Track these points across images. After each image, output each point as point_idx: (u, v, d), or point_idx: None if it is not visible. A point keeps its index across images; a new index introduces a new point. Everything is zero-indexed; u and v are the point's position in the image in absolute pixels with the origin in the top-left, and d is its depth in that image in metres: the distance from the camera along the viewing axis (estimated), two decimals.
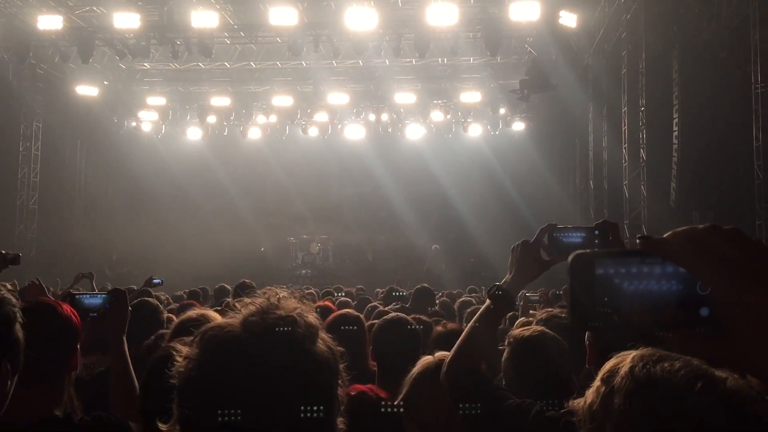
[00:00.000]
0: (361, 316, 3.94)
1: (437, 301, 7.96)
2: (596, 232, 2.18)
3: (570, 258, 0.90)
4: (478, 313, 2.34)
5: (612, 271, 1.02)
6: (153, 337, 3.15)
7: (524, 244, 2.30)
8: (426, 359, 2.52)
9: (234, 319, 1.21)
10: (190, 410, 1.15)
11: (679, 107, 15.14)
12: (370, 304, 7.02)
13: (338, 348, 1.28)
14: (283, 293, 1.27)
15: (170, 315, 4.66)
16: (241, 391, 1.11)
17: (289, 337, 1.18)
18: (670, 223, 14.91)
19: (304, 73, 21.11)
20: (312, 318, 1.25)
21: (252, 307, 1.22)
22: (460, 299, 8.44)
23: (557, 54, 16.96)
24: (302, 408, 1.14)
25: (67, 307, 2.25)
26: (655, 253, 0.88)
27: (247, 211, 22.92)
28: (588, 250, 0.97)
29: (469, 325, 2.30)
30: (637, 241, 0.87)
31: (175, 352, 1.84)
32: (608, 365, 1.23)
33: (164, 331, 3.33)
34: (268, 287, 1.33)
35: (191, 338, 1.22)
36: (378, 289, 12.62)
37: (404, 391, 2.41)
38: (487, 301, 2.32)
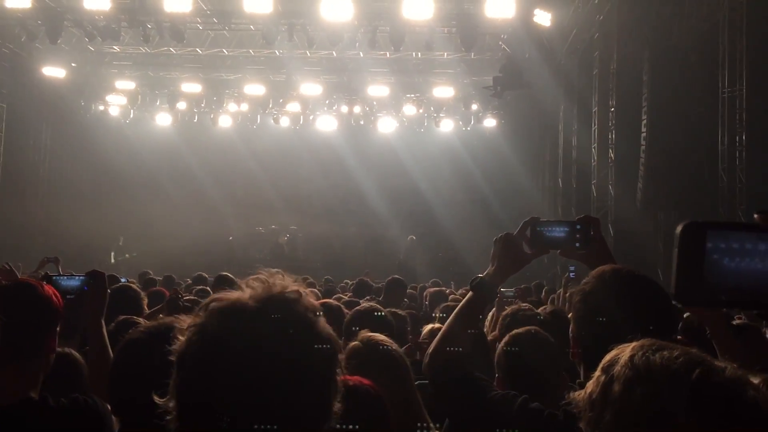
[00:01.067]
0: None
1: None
2: (578, 227, 2.21)
3: (680, 227, 0.87)
4: (460, 304, 2.35)
5: (723, 246, 0.97)
6: (113, 323, 3.07)
7: (507, 236, 2.32)
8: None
9: (239, 292, 1.21)
10: (191, 381, 1.14)
11: (648, 108, 15.37)
12: (338, 297, 7.02)
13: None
14: (282, 275, 1.28)
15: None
16: (246, 361, 1.11)
17: (295, 308, 1.19)
18: (635, 222, 15.17)
19: (277, 62, 20.94)
20: (312, 298, 1.26)
21: (256, 283, 1.22)
22: (429, 289, 8.53)
23: (531, 52, 17.08)
24: (304, 380, 1.14)
25: (48, 288, 2.21)
26: None
27: (217, 200, 22.72)
28: (700, 220, 0.92)
29: (451, 315, 2.32)
30: (756, 216, 0.83)
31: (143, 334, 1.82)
32: (609, 356, 1.25)
33: (132, 317, 3.28)
34: (263, 270, 1.32)
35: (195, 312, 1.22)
36: (347, 280, 12.62)
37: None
38: (469, 293, 2.34)
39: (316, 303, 1.25)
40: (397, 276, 7.46)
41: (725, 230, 0.86)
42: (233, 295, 1.20)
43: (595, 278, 1.95)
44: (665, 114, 15.08)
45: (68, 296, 2.66)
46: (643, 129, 15.43)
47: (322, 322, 1.23)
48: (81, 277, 2.84)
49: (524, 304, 5.55)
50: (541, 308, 4.56)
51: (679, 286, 0.88)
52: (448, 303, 5.85)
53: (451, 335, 2.24)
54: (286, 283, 1.24)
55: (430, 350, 2.26)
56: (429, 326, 3.96)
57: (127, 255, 20.61)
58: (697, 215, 14.53)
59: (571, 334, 2.02)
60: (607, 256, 2.22)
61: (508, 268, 2.31)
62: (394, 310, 4.62)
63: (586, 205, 16.94)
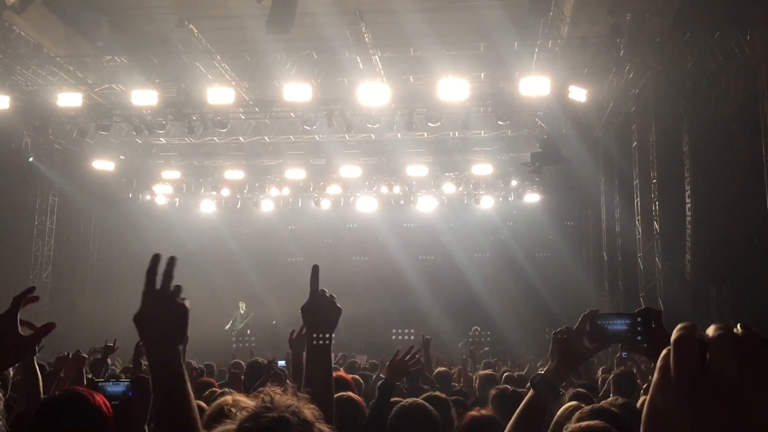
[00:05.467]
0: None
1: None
2: (639, 319, 2.14)
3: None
4: (522, 403, 2.27)
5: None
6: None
7: (567, 331, 2.26)
8: None
9: (231, 424, 1.20)
10: None
11: (690, 179, 15.20)
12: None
13: None
14: (277, 391, 1.26)
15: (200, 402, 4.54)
16: None
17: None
18: (686, 296, 14.75)
19: (317, 146, 21.41)
20: (308, 413, 1.23)
21: (245, 413, 1.21)
22: (480, 372, 8.19)
23: (567, 127, 17.17)
24: None
25: (99, 397, 2.19)
26: None
27: (260, 284, 22.85)
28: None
29: (514, 416, 2.23)
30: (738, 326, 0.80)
31: None
32: None
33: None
34: (262, 388, 1.32)
35: None
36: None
37: None
38: (531, 391, 2.26)
39: (311, 415, 1.23)
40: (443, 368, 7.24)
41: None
42: (223, 428, 1.19)
43: None
44: (709, 184, 14.87)
45: (113, 402, 2.64)
46: (687, 200, 15.21)
47: None
48: (126, 383, 2.81)
49: (579, 390, 5.30)
50: (609, 399, 4.15)
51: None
52: (502, 386, 5.61)
53: None
54: (278, 402, 1.22)
55: None
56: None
57: (249, 317, 21.04)
58: (750, 286, 14.09)
59: None
60: None
61: (569, 364, 2.25)
62: (437, 394, 4.48)
63: (633, 280, 16.58)
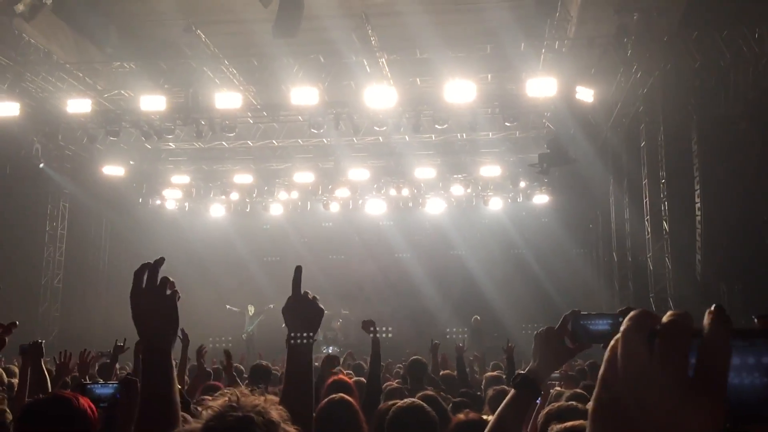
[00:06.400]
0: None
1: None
2: (620, 319, 2.13)
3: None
4: (503, 403, 2.27)
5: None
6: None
7: (548, 331, 2.26)
8: None
9: (197, 423, 1.21)
10: None
11: (700, 178, 15.11)
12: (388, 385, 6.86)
13: None
14: (244, 392, 1.28)
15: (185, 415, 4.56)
16: None
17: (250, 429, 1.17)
18: (696, 296, 14.66)
19: (325, 149, 21.46)
20: (274, 414, 1.24)
21: (211, 411, 1.22)
22: (487, 374, 8.13)
23: (575, 128, 17.11)
24: None
25: (84, 401, 2.21)
26: None
27: (269, 287, 22.89)
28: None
29: (494, 415, 2.24)
30: (756, 320, 0.75)
31: None
32: None
33: None
34: (229, 388, 1.35)
35: None
36: (399, 365, 12.39)
37: None
38: (512, 391, 2.26)
39: (277, 416, 1.24)
40: (417, 358, 7.18)
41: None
42: (190, 428, 1.21)
43: None
44: (718, 183, 14.79)
45: (102, 404, 2.65)
46: (697, 199, 15.13)
47: None
48: (114, 385, 2.83)
49: (578, 390, 5.31)
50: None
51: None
52: (500, 387, 5.60)
53: None
54: (244, 402, 1.24)
55: None
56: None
57: (258, 319, 21.07)
58: (761, 284, 13.99)
59: None
60: None
61: (550, 364, 2.25)
62: (433, 394, 4.48)
63: (644, 279, 16.51)
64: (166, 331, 1.89)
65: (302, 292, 2.39)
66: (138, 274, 1.98)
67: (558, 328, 2.23)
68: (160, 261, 1.97)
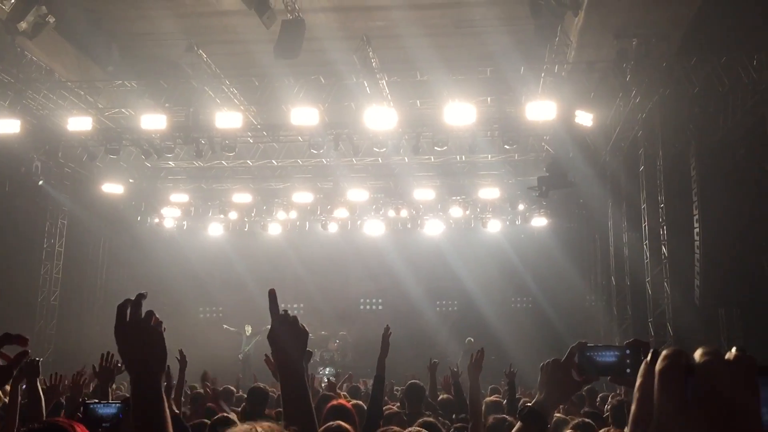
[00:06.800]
0: None
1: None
2: (627, 352, 2.12)
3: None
4: None
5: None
6: None
7: (555, 363, 2.24)
8: None
9: None
10: None
11: (699, 203, 15.13)
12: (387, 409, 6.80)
13: None
14: (264, 424, 1.28)
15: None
16: None
17: None
18: (695, 321, 14.61)
19: (324, 170, 21.49)
20: None
21: None
22: (487, 399, 8.07)
23: (574, 151, 17.17)
24: None
25: (80, 429, 2.18)
26: None
27: (266, 308, 22.75)
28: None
29: None
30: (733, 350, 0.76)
31: None
32: None
33: None
34: (249, 423, 1.33)
35: None
36: (397, 388, 12.31)
37: None
38: (519, 423, 2.24)
39: None
40: (415, 382, 7.08)
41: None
42: None
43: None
44: (717, 208, 14.80)
45: (104, 424, 2.63)
46: (696, 224, 15.14)
47: None
48: (118, 405, 2.80)
49: (586, 420, 5.24)
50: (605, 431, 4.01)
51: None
52: (500, 416, 5.56)
53: None
54: None
55: None
56: None
57: (255, 339, 20.90)
58: (759, 311, 13.96)
59: None
60: None
61: (556, 396, 2.23)
62: (432, 420, 4.44)
63: (642, 304, 16.45)
64: (153, 364, 1.88)
65: (282, 312, 2.35)
66: (121, 309, 1.97)
67: (564, 360, 2.21)
68: (143, 295, 1.95)
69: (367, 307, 23.30)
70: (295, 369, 2.27)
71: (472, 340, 19.08)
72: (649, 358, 0.75)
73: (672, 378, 0.71)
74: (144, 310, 1.95)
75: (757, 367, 0.69)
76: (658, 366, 0.73)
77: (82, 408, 2.71)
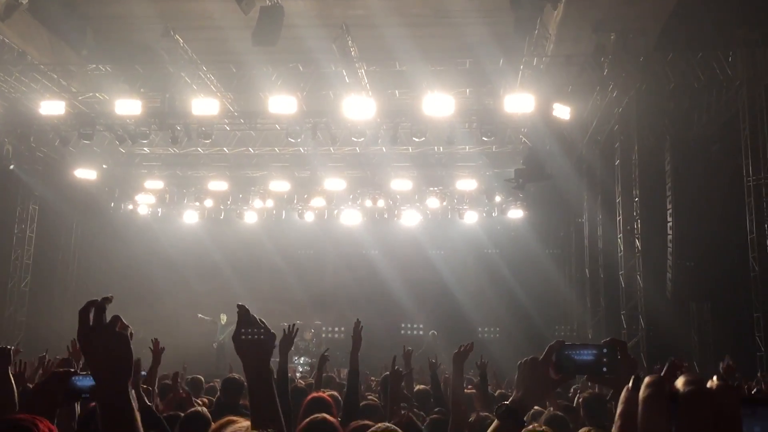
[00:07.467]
0: None
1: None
2: (604, 351, 2.13)
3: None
4: None
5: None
6: None
7: (533, 361, 2.23)
8: None
9: None
10: None
11: (672, 198, 15.32)
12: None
13: None
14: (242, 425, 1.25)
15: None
16: None
17: None
18: (667, 314, 14.82)
19: (301, 159, 21.37)
20: None
21: None
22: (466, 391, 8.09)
23: (552, 144, 17.25)
24: None
25: (43, 425, 2.13)
26: None
27: (242, 296, 22.68)
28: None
29: None
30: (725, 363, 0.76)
31: None
32: None
33: None
34: (229, 418, 1.30)
35: None
36: (373, 378, 12.34)
37: None
38: (495, 421, 2.23)
39: None
40: (424, 386, 7.19)
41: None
42: None
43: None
44: (690, 203, 15.00)
45: (84, 395, 2.64)
46: (669, 218, 15.32)
47: None
48: None
49: (558, 413, 5.27)
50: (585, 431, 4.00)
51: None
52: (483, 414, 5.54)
53: None
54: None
55: None
56: None
57: (230, 329, 20.72)
58: (730, 305, 14.19)
59: None
60: None
61: (534, 394, 2.23)
62: (411, 418, 4.43)
63: (615, 296, 16.65)
64: (119, 372, 1.78)
65: (250, 319, 2.32)
66: (83, 313, 1.85)
67: (543, 358, 2.21)
68: (108, 299, 1.85)
69: (343, 296, 23.23)
70: (262, 379, 2.26)
71: (436, 333, 19.22)
72: (630, 384, 0.75)
73: (656, 408, 0.71)
74: (116, 305, 1.88)
75: (740, 398, 0.69)
76: (641, 394, 0.74)
77: (63, 377, 2.69)
